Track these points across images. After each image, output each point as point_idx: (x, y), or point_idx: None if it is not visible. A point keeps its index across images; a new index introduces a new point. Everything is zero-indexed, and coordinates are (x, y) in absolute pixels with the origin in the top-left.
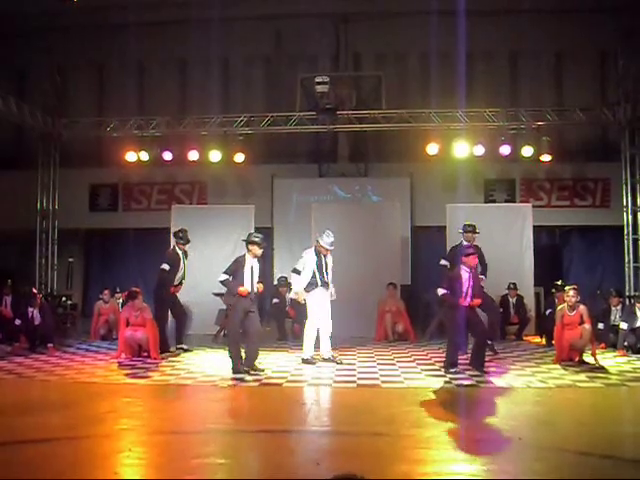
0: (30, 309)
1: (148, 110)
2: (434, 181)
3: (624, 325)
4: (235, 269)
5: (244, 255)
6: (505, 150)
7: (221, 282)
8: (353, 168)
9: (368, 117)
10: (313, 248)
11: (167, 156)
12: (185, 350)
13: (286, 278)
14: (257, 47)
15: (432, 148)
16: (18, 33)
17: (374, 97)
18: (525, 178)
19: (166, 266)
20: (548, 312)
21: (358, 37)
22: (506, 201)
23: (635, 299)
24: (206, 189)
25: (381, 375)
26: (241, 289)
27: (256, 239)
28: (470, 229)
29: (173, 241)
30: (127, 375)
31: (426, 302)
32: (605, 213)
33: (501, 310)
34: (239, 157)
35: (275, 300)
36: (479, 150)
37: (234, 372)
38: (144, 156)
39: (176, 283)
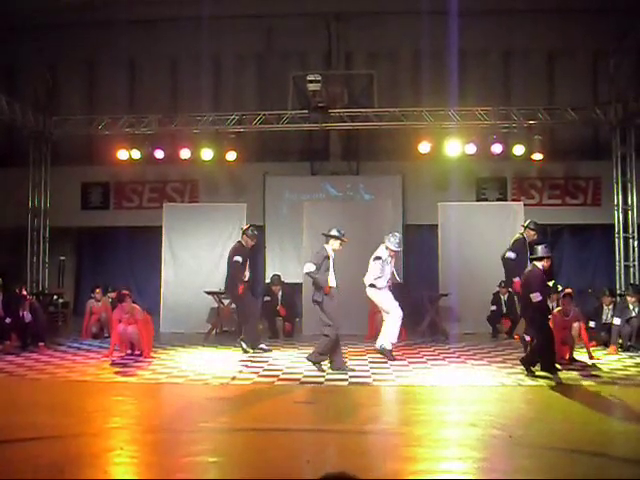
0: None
1: (139, 108)
2: (426, 179)
3: (617, 320)
4: (322, 262)
5: (324, 248)
6: (497, 149)
7: (307, 273)
8: (345, 166)
9: (360, 115)
10: (384, 247)
11: (159, 154)
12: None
13: (279, 276)
14: (249, 45)
15: (424, 146)
16: (8, 30)
17: (366, 95)
18: (517, 177)
19: (239, 258)
20: None
21: (350, 35)
22: (498, 199)
23: (627, 293)
24: (198, 187)
25: (372, 373)
26: (327, 287)
27: (337, 234)
28: (536, 228)
29: (240, 238)
30: (118, 373)
31: (418, 300)
32: (596, 211)
33: (494, 308)
34: (231, 155)
35: (267, 298)
36: (471, 149)
37: (334, 370)
38: (136, 154)
39: (245, 280)
